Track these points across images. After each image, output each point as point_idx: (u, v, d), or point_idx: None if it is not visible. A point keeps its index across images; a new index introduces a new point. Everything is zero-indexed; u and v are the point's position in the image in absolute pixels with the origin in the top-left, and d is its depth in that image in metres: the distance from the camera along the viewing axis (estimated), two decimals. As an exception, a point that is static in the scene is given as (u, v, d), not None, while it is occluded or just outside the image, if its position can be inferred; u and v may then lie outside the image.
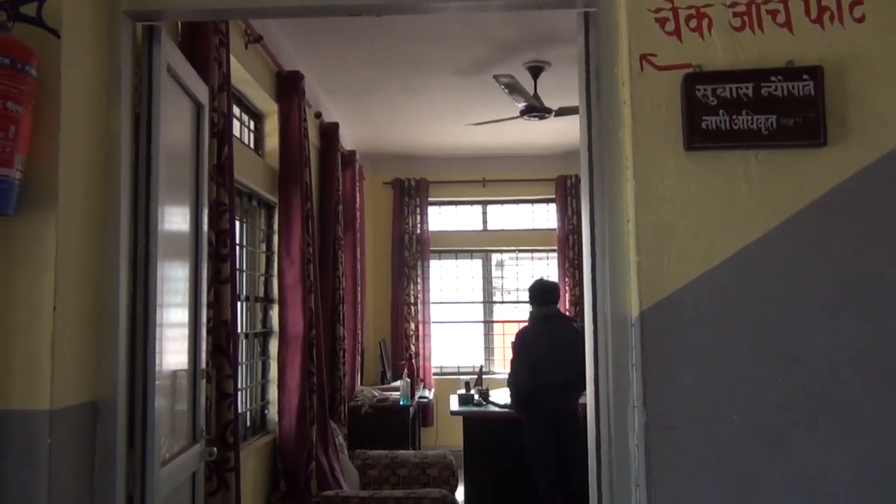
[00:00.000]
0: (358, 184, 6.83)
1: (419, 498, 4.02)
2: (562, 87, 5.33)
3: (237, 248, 3.45)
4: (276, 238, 4.44)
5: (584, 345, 5.24)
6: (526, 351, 5.30)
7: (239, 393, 3.38)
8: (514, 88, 4.85)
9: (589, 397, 2.07)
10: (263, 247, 4.52)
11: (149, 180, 2.16)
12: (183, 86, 2.46)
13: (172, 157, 2.37)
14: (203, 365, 2.67)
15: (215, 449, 2.67)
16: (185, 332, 2.56)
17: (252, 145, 4.46)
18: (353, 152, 6.53)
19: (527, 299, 8.78)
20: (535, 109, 5.23)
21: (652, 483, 1.83)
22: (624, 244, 1.95)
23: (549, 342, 5.29)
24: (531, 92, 5.13)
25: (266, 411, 4.45)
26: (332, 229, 5.40)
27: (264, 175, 4.32)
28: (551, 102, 5.26)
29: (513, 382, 5.40)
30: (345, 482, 4.48)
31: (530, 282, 5.86)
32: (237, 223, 3.73)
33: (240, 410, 3.60)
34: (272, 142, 4.52)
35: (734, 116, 1.86)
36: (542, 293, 5.53)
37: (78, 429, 1.91)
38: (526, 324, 5.65)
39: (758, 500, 1.81)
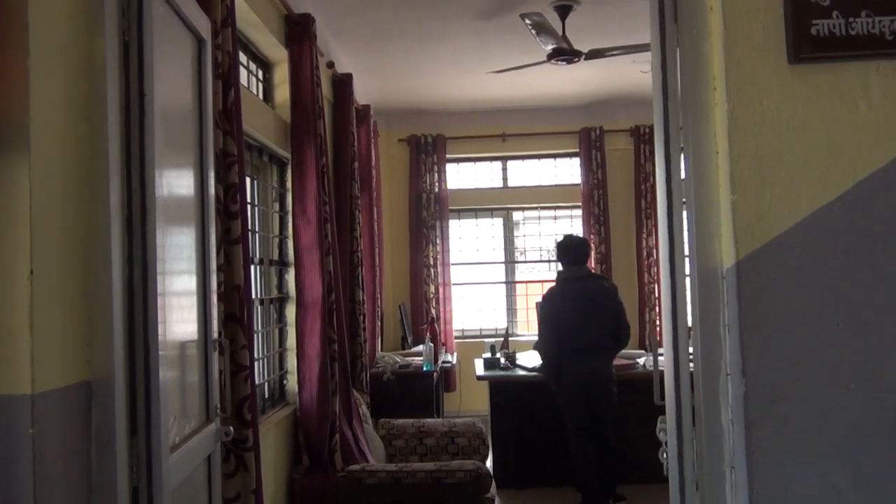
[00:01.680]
0: (373, 141, 6.49)
1: (452, 470, 3.75)
2: (592, 28, 4.95)
3: (248, 206, 3.13)
4: (289, 197, 4.13)
5: (615, 305, 4.98)
6: (553, 314, 5.03)
7: (255, 364, 3.10)
8: (541, 28, 4.47)
9: (667, 365, 1.76)
10: (276, 206, 4.21)
11: (142, 123, 1.84)
12: (180, 14, 2.13)
13: (170, 97, 2.04)
14: (215, 335, 2.38)
15: (231, 428, 2.39)
16: (194, 299, 2.27)
17: (261, 96, 4.13)
18: (367, 107, 6.18)
19: (549, 258, 8.58)
20: (564, 53, 4.85)
21: (753, 466, 1.53)
22: (712, 182, 1.62)
23: (577, 303, 5.01)
24: (559, 33, 4.75)
25: (285, 382, 4.18)
26: (347, 188, 5.07)
27: (275, 128, 3.99)
28: (580, 45, 4.87)
29: (541, 349, 5.15)
30: (370, 454, 4.22)
31: (557, 239, 5.54)
32: (247, 180, 3.41)
33: (257, 383, 3.32)
34: (282, 93, 4.18)
35: (851, 19, 1.52)
36: (570, 251, 5.22)
37: (68, 415, 1.62)
38: (553, 284, 5.35)
39: (886, 491, 1.50)
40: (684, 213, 1.72)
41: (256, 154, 3.88)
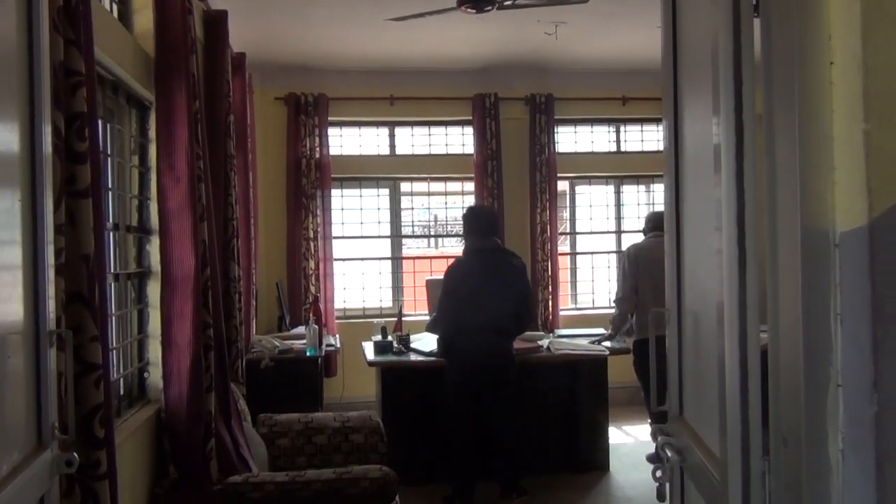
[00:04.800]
0: (248, 97, 5.70)
1: (354, 479, 3.16)
2: (507, -27, 4.43)
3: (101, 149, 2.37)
4: (152, 149, 3.35)
5: (523, 285, 4.56)
6: (454, 288, 4.58)
7: (111, 361, 2.38)
8: (456, -34, 3.90)
9: (730, 371, 1.26)
10: (136, 160, 3.42)
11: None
12: None
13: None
14: (51, 324, 1.67)
15: (76, 455, 1.69)
16: (16, 275, 1.55)
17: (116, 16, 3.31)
18: (241, 55, 5.38)
19: (438, 233, 8.09)
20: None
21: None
22: (822, 104, 1.11)
23: (482, 279, 4.58)
24: (473, -25, 4.20)
25: (146, 375, 3.42)
26: (222, 145, 4.29)
27: (135, 61, 3.19)
28: (493, -8, 4.35)
29: (434, 324, 4.69)
30: (252, 460, 3.55)
31: (463, 209, 5.07)
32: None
33: (111, 379, 2.57)
34: (145, 20, 3.38)
35: None
36: (478, 222, 4.77)
37: None
38: (459, 256, 4.89)
39: None
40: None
41: (110, 91, 3.07)
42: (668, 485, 1.75)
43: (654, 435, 1.81)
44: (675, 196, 1.77)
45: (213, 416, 3.28)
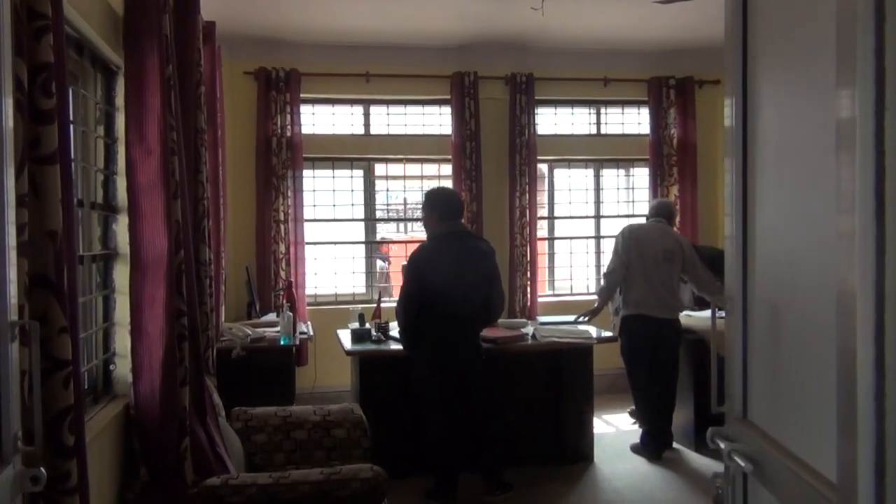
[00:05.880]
0: (217, 69, 5.35)
1: (344, 480, 2.91)
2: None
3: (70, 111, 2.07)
4: (120, 118, 3.04)
5: (492, 270, 4.37)
6: (419, 275, 4.36)
7: (82, 355, 2.09)
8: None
9: (863, 374, 1.04)
10: (101, 131, 3.10)
11: None
12: None
13: None
14: (13, 314, 1.39)
15: (43, 471, 1.42)
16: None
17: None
18: (211, 24, 5.03)
19: (415, 216, 7.81)
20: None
21: None
22: None
23: (449, 265, 4.37)
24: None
25: (112, 368, 3.13)
26: (193, 118, 3.97)
27: (102, 18, 2.86)
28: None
29: (399, 311, 4.48)
30: (228, 459, 3.27)
31: (428, 190, 4.83)
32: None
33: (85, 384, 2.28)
34: (110, -25, 3.05)
35: None
36: (444, 205, 4.54)
37: None
38: (424, 241, 4.65)
39: None
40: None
41: (74, 52, 2.75)
42: (730, 494, 1.54)
43: (711, 439, 1.60)
44: (743, 177, 1.56)
45: (188, 411, 3.00)
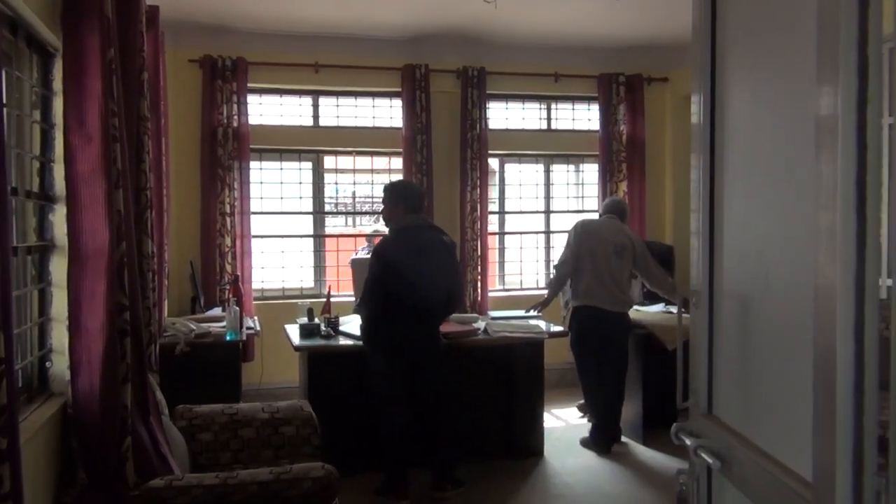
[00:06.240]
0: (161, 56, 5.17)
1: (295, 479, 2.83)
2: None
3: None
4: (58, 102, 2.89)
5: (453, 264, 4.37)
6: (384, 268, 4.29)
7: (15, 353, 1.96)
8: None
9: (842, 369, 1.02)
10: (37, 115, 2.94)
11: None
12: None
13: None
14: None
15: (-26, 477, 1.31)
16: None
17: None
18: (155, 8, 4.85)
19: (364, 209, 7.70)
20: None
21: None
22: None
23: (413, 258, 4.33)
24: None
25: (48, 365, 2.97)
26: (135, 103, 3.81)
27: (37, -3, 2.71)
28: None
29: (362, 305, 4.42)
30: (172, 459, 3.15)
31: (391, 182, 4.78)
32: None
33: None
34: (47, -50, 2.89)
35: None
36: (409, 197, 4.50)
37: None
38: (386, 234, 4.61)
39: None
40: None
41: (6, 30, 2.59)
42: (694, 491, 1.52)
43: (676, 434, 1.57)
44: (710, 172, 1.54)
45: (130, 410, 2.87)
